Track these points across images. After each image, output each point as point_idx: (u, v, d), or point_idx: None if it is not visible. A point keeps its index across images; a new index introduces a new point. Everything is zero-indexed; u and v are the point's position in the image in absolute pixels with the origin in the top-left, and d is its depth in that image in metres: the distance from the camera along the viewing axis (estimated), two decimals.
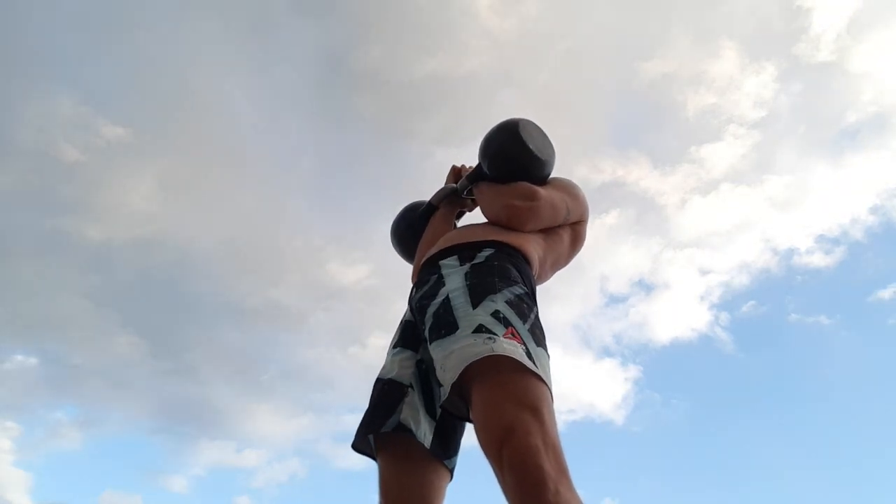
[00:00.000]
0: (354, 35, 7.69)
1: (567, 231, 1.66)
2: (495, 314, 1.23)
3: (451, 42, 7.98)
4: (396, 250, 1.91)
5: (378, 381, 1.43)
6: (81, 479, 8.03)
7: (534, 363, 1.16)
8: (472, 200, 1.80)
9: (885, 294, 7.82)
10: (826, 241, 8.12)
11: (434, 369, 1.29)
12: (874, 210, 8.01)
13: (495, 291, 1.29)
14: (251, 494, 7.84)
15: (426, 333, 1.32)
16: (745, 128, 8.16)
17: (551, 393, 1.17)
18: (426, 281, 1.44)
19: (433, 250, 1.54)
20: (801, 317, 8.31)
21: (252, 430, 8.44)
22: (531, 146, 1.58)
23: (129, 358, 7.93)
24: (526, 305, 1.31)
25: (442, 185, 1.87)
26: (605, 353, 8.21)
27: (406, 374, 1.39)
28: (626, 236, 8.56)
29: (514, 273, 1.38)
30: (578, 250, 1.71)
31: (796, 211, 8.59)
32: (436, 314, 1.30)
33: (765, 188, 8.50)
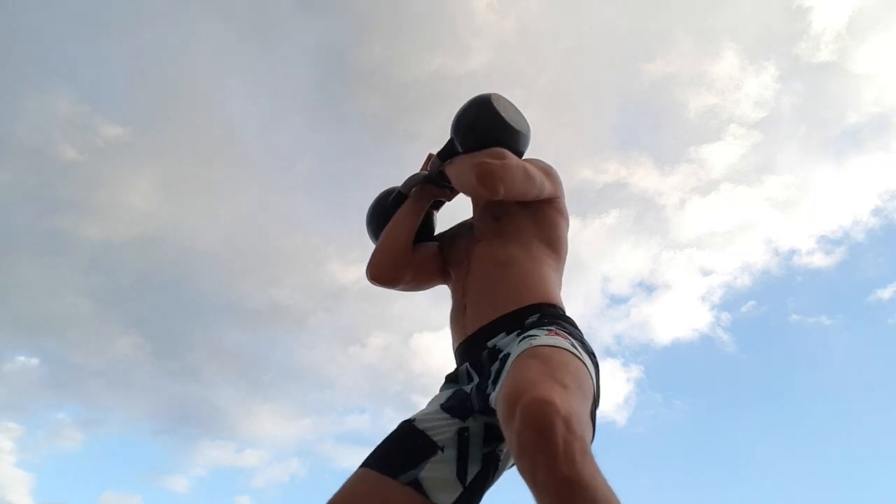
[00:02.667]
0: (355, 34, 7.69)
1: (551, 211, 1.56)
2: (541, 329, 1.26)
3: (452, 41, 7.98)
4: (371, 239, 1.81)
5: (409, 424, 1.35)
6: (82, 480, 8.05)
7: (577, 350, 1.17)
8: (450, 189, 1.70)
9: (885, 294, 7.81)
10: (826, 242, 8.12)
11: (477, 441, 1.29)
12: (876, 212, 8.00)
13: (543, 326, 1.30)
14: (251, 495, 7.85)
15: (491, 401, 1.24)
16: (746, 128, 8.15)
17: (596, 389, 1.18)
18: (480, 366, 1.36)
19: (471, 328, 1.43)
20: (801, 317, 8.31)
21: (253, 431, 8.44)
22: (505, 117, 1.53)
23: (131, 358, 7.93)
24: (586, 346, 1.30)
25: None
26: (607, 353, 8.19)
27: (444, 437, 1.32)
28: (626, 236, 8.55)
29: (572, 329, 1.35)
30: (567, 227, 1.61)
31: (797, 211, 8.59)
32: (496, 374, 1.26)
33: (765, 188, 8.49)
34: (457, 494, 1.27)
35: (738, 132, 8.17)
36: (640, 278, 8.53)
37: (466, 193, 1.66)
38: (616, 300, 8.56)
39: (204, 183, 8.19)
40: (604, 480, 0.90)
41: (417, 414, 1.38)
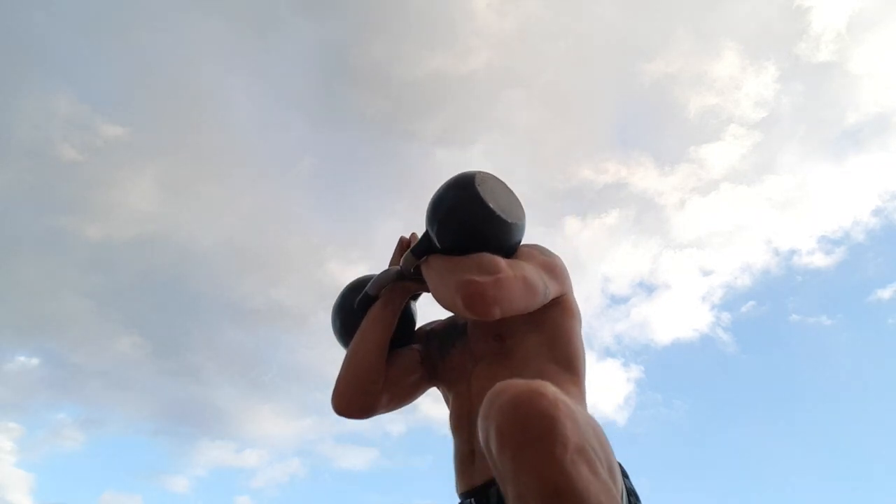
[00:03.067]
0: (355, 34, 7.69)
1: (572, 330, 1.31)
2: None
3: (453, 41, 7.97)
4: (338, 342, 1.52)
5: None
6: (82, 480, 8.04)
7: None
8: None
9: (885, 294, 7.81)
10: (827, 242, 8.12)
11: None
12: (876, 212, 8.00)
13: None
14: (251, 494, 7.84)
15: None
16: (746, 128, 8.15)
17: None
18: None
19: (478, 479, 1.20)
20: (801, 317, 8.30)
21: (253, 431, 8.43)
22: (493, 206, 1.21)
23: (131, 358, 7.93)
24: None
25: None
26: (607, 353, 8.19)
27: None
28: (626, 236, 8.55)
29: None
30: (578, 326, 1.34)
31: (797, 211, 8.58)
32: None
33: (765, 188, 8.49)
34: None
35: (738, 132, 8.17)
36: (640, 278, 8.53)
37: (448, 310, 1.34)
38: (616, 300, 8.56)
39: (204, 183, 8.20)
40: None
41: None
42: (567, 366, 1.28)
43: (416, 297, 1.48)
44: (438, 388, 1.47)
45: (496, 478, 0.86)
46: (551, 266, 1.28)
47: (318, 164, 8.31)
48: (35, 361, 8.11)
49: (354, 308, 1.43)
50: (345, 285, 1.52)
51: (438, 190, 1.28)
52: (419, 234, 1.42)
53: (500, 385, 0.86)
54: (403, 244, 1.46)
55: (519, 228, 1.27)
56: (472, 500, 1.21)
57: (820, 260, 8.15)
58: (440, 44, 7.91)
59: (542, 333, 1.28)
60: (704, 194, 8.40)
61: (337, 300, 1.50)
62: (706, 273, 8.37)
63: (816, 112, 8.39)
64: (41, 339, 8.18)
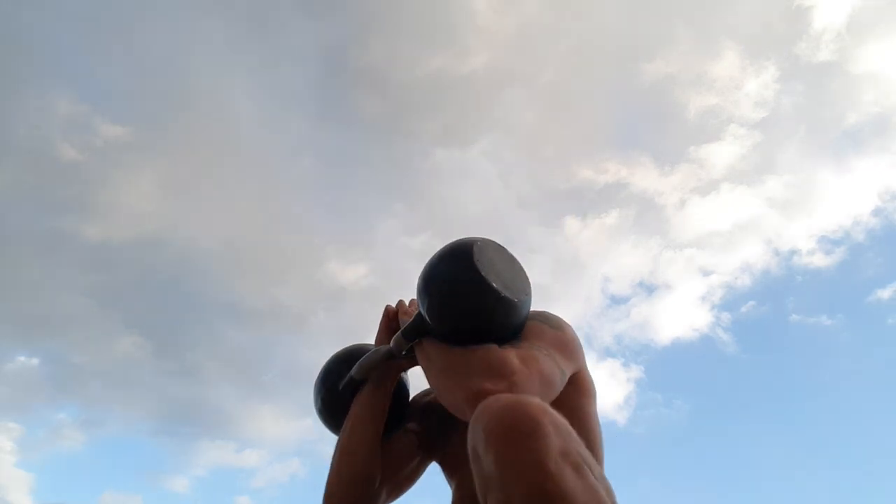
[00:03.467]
0: (355, 34, 7.69)
1: (588, 408, 1.19)
2: None
3: (453, 41, 7.98)
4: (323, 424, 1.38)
5: None
6: (82, 480, 8.04)
7: None
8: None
9: (885, 294, 7.81)
10: (827, 242, 8.12)
11: None
12: (876, 212, 8.00)
13: None
14: (251, 495, 7.84)
15: None
16: (746, 128, 8.15)
17: None
18: None
19: None
20: (801, 317, 8.31)
21: (253, 431, 8.43)
22: (496, 285, 1.05)
23: (131, 358, 7.93)
24: None
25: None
26: (607, 353, 8.19)
27: None
28: (626, 236, 8.56)
29: None
30: (592, 403, 1.22)
31: (797, 211, 8.59)
32: None
33: (765, 188, 8.50)
34: None
35: (739, 132, 8.18)
36: (640, 278, 8.54)
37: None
38: (616, 300, 8.56)
39: (204, 183, 8.21)
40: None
41: None
42: (587, 446, 1.14)
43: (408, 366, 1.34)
44: (439, 465, 1.35)
45: (478, 487, 0.82)
46: (563, 344, 1.13)
47: (318, 164, 8.33)
48: (35, 361, 8.13)
49: (339, 392, 1.29)
50: (328, 358, 1.37)
51: (431, 261, 1.13)
52: (407, 303, 1.33)
53: (490, 397, 0.85)
54: (389, 314, 1.32)
55: (525, 305, 1.12)
56: None
57: (820, 260, 8.16)
58: (440, 44, 7.92)
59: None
60: (704, 194, 8.42)
61: (320, 374, 1.35)
62: (706, 273, 8.38)
63: (816, 112, 8.41)
64: (41, 339, 8.20)
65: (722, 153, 8.37)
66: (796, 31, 7.86)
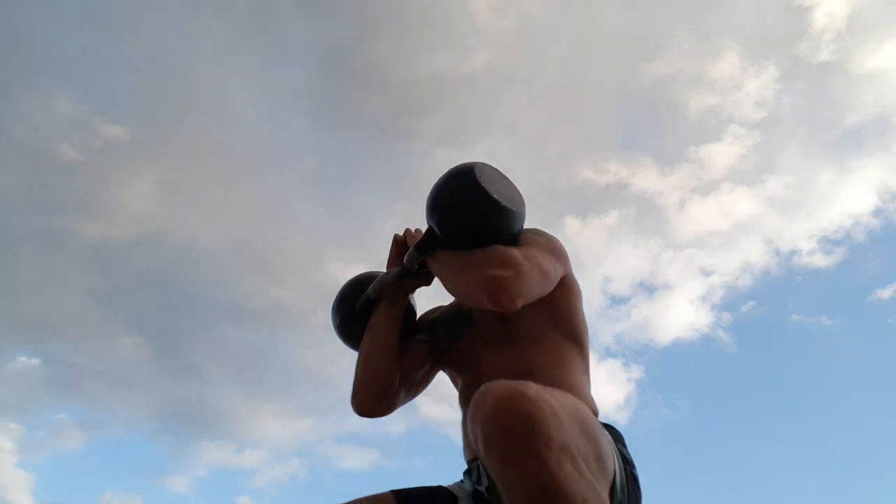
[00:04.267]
0: (355, 34, 7.69)
1: (575, 307, 1.38)
2: None
3: (453, 41, 7.97)
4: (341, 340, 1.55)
5: (446, 489, 1.32)
6: (83, 480, 8.04)
7: None
8: (429, 274, 1.44)
9: (885, 294, 7.81)
10: (827, 243, 8.11)
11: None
12: (876, 213, 8.00)
13: None
14: (252, 495, 7.84)
15: None
16: (746, 128, 8.15)
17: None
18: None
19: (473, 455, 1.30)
20: (802, 317, 8.30)
21: (253, 431, 8.43)
22: (495, 195, 1.22)
23: (131, 358, 7.93)
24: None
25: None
26: (608, 353, 8.19)
27: (462, 492, 1.30)
28: (626, 237, 8.55)
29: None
30: (579, 301, 1.41)
31: (797, 212, 8.58)
32: None
33: (765, 188, 8.49)
34: None
35: (739, 132, 8.17)
36: (640, 279, 8.53)
37: (469, 306, 1.42)
38: (617, 300, 8.55)
39: (204, 183, 8.20)
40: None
41: (455, 485, 1.34)
42: (572, 338, 1.35)
43: (416, 286, 1.51)
44: (446, 371, 1.52)
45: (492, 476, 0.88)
46: (554, 249, 1.33)
47: (318, 164, 8.32)
48: (35, 362, 8.11)
49: (357, 311, 1.44)
50: (343, 284, 1.53)
51: (438, 182, 1.28)
52: (413, 230, 1.47)
53: (483, 388, 0.88)
54: (398, 241, 1.48)
55: (521, 216, 1.29)
56: (476, 462, 1.27)
57: (820, 260, 8.15)
58: (440, 44, 7.91)
59: (547, 311, 1.32)
60: (704, 194, 8.41)
61: (336, 297, 1.51)
62: (706, 273, 8.38)
63: (817, 112, 8.40)
64: (42, 340, 8.19)
65: (722, 153, 8.37)
66: (796, 31, 7.86)
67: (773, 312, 8.34)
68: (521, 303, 1.18)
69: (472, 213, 1.24)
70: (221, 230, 8.26)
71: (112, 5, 7.33)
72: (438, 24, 7.78)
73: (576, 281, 1.40)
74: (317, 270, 8.44)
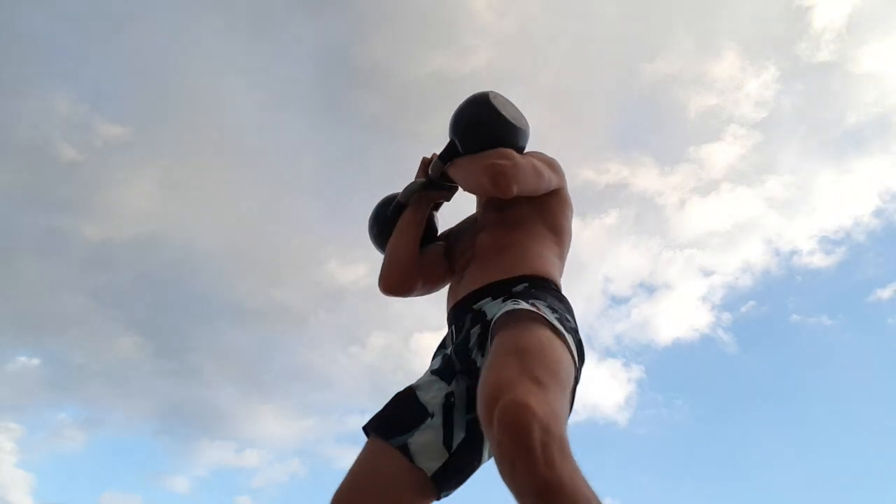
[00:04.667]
0: (355, 34, 7.69)
1: (556, 202, 1.61)
2: (526, 300, 1.27)
3: (452, 41, 7.98)
4: (375, 248, 1.85)
5: (409, 389, 1.42)
6: (83, 480, 8.04)
7: (558, 326, 1.19)
8: (449, 188, 1.73)
9: (885, 294, 7.81)
10: (827, 243, 8.12)
11: (461, 406, 1.34)
12: (877, 213, 8.00)
13: (535, 298, 1.31)
14: (252, 495, 7.85)
15: (476, 362, 1.32)
16: (746, 128, 8.15)
17: (577, 369, 1.20)
18: (461, 326, 1.43)
19: (462, 293, 1.49)
20: (802, 317, 8.31)
21: (253, 431, 8.43)
22: (505, 114, 1.53)
23: (131, 358, 7.93)
24: (568, 322, 1.30)
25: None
26: (608, 354, 8.20)
27: (435, 401, 1.37)
28: (626, 237, 8.55)
29: (557, 304, 1.35)
30: (571, 215, 1.66)
31: (797, 212, 8.58)
32: (479, 337, 1.34)
33: (765, 188, 8.49)
34: (442, 461, 1.31)
35: (739, 132, 8.18)
36: (640, 279, 8.54)
37: (476, 194, 1.70)
38: (617, 301, 8.57)
39: (204, 183, 8.20)
40: (583, 479, 0.93)
41: (418, 380, 1.45)
42: (552, 230, 1.58)
43: (437, 206, 1.79)
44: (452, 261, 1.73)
45: (501, 477, 0.96)
46: (552, 162, 1.60)
47: (319, 164, 8.31)
48: (36, 362, 8.11)
49: (388, 216, 1.74)
50: (376, 204, 1.84)
51: (459, 106, 1.58)
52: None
53: (489, 393, 1.00)
54: (425, 162, 1.73)
55: (525, 133, 1.58)
56: (453, 326, 1.47)
57: (820, 260, 8.16)
58: (440, 44, 7.92)
59: (538, 210, 1.57)
60: (704, 194, 8.42)
61: (372, 213, 1.82)
62: (707, 273, 8.38)
63: (817, 112, 8.40)
64: (42, 340, 8.19)
65: (722, 153, 8.38)
66: (796, 31, 7.87)
67: (774, 312, 8.35)
68: (515, 189, 1.44)
69: (487, 129, 1.53)
70: (221, 230, 8.27)
71: (112, 5, 7.33)
72: (438, 24, 7.79)
73: (570, 198, 1.65)
74: (317, 270, 8.46)
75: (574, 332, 1.29)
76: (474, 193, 1.68)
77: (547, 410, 0.95)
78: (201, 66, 7.68)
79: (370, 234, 1.82)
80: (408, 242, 1.67)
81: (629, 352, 8.38)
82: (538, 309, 1.21)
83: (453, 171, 1.61)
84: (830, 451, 7.53)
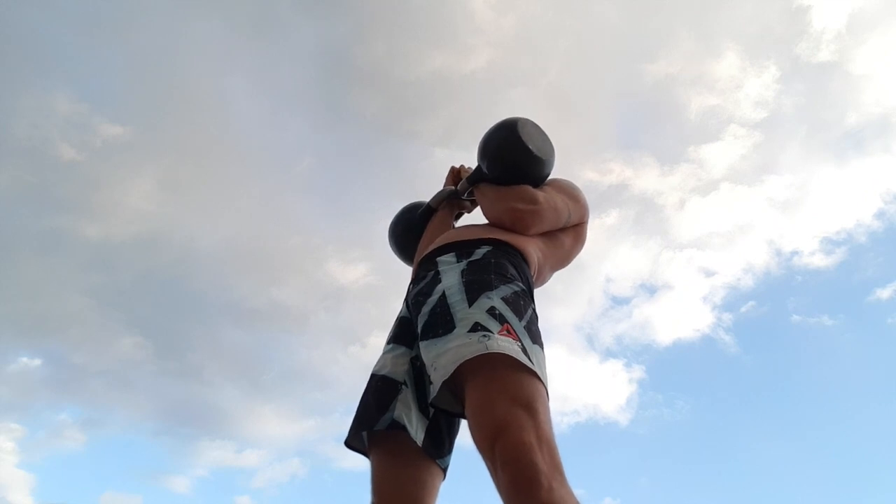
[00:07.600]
0: (356, 34, 7.69)
1: (568, 234, 1.67)
2: (491, 311, 1.24)
3: (453, 41, 7.98)
4: (394, 252, 1.91)
5: (372, 377, 1.41)
6: (83, 480, 8.04)
7: (529, 360, 1.16)
8: (472, 202, 1.82)
9: (885, 294, 7.81)
10: (828, 243, 8.11)
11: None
12: (878, 214, 7.99)
13: (491, 288, 1.29)
14: (252, 495, 7.84)
15: (419, 330, 1.32)
16: (746, 128, 8.14)
17: (547, 390, 1.18)
18: (423, 277, 1.44)
19: (431, 247, 1.55)
20: (802, 317, 8.30)
21: (253, 431, 8.43)
22: (530, 146, 1.57)
23: (132, 358, 7.93)
24: (523, 303, 1.31)
25: (441, 186, 1.87)
26: (609, 354, 8.20)
27: (400, 370, 1.37)
28: (626, 237, 8.55)
29: (512, 270, 1.38)
30: (579, 251, 1.72)
31: (798, 212, 8.58)
32: (432, 312, 1.30)
33: (765, 189, 8.49)
34: (425, 427, 1.33)
35: (739, 132, 8.17)
36: (641, 279, 8.54)
37: (495, 226, 1.73)
38: (618, 301, 8.57)
39: (204, 183, 8.20)
40: (575, 500, 1.02)
41: (375, 366, 1.44)
42: (559, 260, 1.66)
43: (458, 216, 1.87)
44: None
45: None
46: (575, 195, 1.68)
47: (318, 164, 8.31)
48: (36, 362, 8.12)
49: (417, 217, 1.84)
50: (399, 210, 1.93)
51: (489, 131, 1.63)
52: (466, 167, 1.86)
53: (487, 434, 1.08)
54: (454, 171, 1.86)
55: (550, 163, 1.64)
56: (412, 282, 1.50)
57: (820, 260, 8.16)
58: (440, 43, 7.91)
59: (551, 240, 1.62)
60: (704, 194, 8.42)
61: (394, 219, 1.91)
62: (707, 274, 8.38)
63: (817, 112, 8.40)
64: (42, 340, 8.19)
65: (722, 153, 8.38)
66: (796, 31, 7.86)
67: (774, 313, 8.35)
68: (533, 231, 1.55)
69: (510, 159, 1.59)
70: (221, 230, 8.27)
71: (112, 5, 7.33)
72: (438, 24, 7.79)
73: (586, 233, 1.72)
74: (317, 270, 8.45)
75: (540, 342, 1.28)
76: (495, 225, 1.69)
77: (543, 440, 1.04)
78: (201, 66, 7.69)
79: (393, 235, 1.89)
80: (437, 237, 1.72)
81: (630, 352, 8.38)
82: (512, 335, 1.20)
83: (479, 196, 1.68)
84: (831, 451, 7.54)
